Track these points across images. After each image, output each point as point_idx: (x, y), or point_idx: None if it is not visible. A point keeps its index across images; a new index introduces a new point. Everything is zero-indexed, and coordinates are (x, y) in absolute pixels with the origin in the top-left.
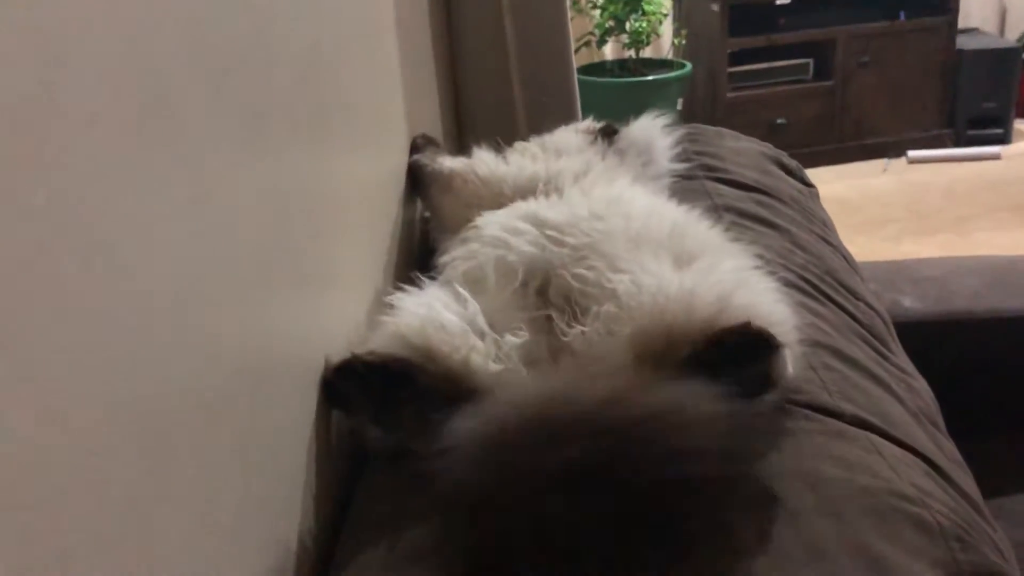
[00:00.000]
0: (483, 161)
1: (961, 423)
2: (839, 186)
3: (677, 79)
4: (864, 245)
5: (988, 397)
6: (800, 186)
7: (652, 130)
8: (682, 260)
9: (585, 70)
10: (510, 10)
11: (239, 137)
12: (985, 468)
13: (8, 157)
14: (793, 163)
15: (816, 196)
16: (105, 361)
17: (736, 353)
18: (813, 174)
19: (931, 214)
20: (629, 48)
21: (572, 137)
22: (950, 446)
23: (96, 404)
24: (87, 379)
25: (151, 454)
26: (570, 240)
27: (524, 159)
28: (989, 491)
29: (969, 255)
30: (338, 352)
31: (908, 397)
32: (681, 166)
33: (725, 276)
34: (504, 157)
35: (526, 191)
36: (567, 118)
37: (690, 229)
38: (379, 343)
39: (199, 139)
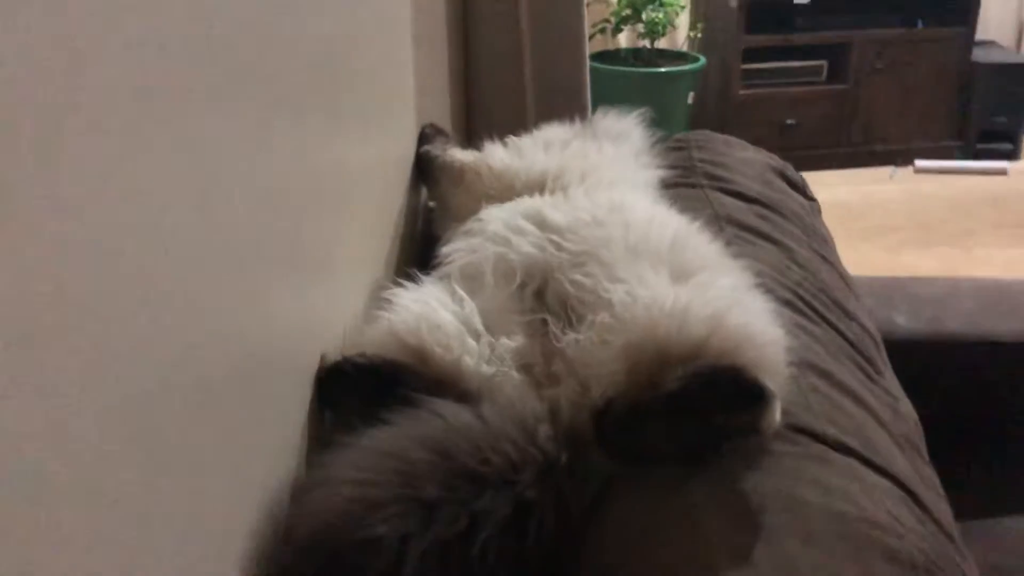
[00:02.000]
0: (495, 155)
1: (949, 443)
2: (844, 191)
3: (690, 72)
4: (865, 253)
5: (976, 419)
6: (803, 200)
7: (623, 120)
8: (680, 274)
9: (599, 57)
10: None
11: (234, 121)
12: (970, 489)
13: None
14: (797, 176)
15: (818, 211)
16: (86, 354)
17: (724, 400)
18: (820, 177)
19: (934, 226)
20: (644, 38)
21: (559, 130)
22: (930, 472)
23: (84, 399)
24: (71, 372)
25: (138, 449)
26: (570, 245)
27: (536, 153)
28: (972, 512)
29: (966, 276)
30: (335, 343)
31: (892, 421)
32: (682, 172)
33: (721, 294)
34: (517, 151)
35: (536, 186)
36: (577, 111)
37: (691, 242)
38: (373, 340)
39: (192, 121)
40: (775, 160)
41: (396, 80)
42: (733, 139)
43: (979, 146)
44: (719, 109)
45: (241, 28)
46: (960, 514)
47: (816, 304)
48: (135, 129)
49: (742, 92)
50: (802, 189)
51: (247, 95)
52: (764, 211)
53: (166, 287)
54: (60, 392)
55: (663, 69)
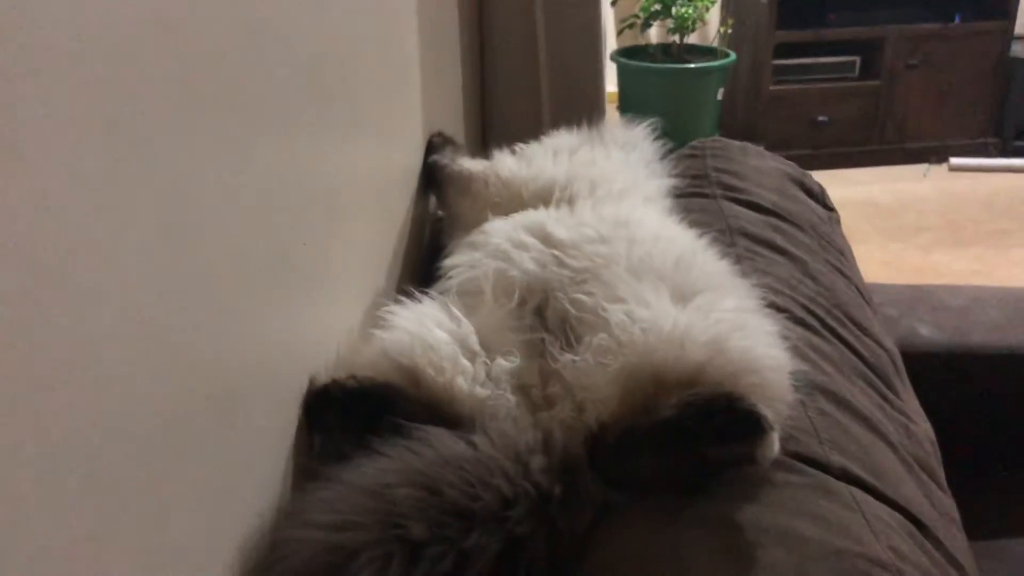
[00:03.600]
0: (503, 164)
1: (976, 458)
2: (877, 189)
3: (720, 68)
4: (896, 252)
5: (1003, 433)
6: (821, 211)
7: (632, 130)
8: (683, 294)
9: (628, 53)
10: (542, 6)
11: (215, 129)
12: (994, 506)
13: None
14: (816, 185)
15: (837, 221)
16: (48, 379)
17: (719, 430)
18: (851, 175)
19: (968, 225)
20: (674, 33)
21: (567, 137)
22: (942, 496)
23: (43, 425)
24: (32, 398)
25: (109, 479)
26: (572, 262)
27: (545, 162)
28: (994, 531)
29: (997, 280)
30: (327, 361)
31: (905, 444)
32: (695, 181)
33: (723, 317)
34: (526, 159)
35: (544, 195)
36: (594, 116)
37: (696, 260)
38: (366, 360)
39: (169, 129)
40: (793, 168)
41: (401, 90)
42: (750, 146)
43: (1016, 143)
44: (749, 105)
45: (226, 30)
46: (982, 533)
47: (830, 320)
48: (107, 136)
49: (773, 88)
50: (821, 199)
51: (229, 100)
52: (779, 223)
53: (136, 304)
54: (22, 420)
55: (693, 65)
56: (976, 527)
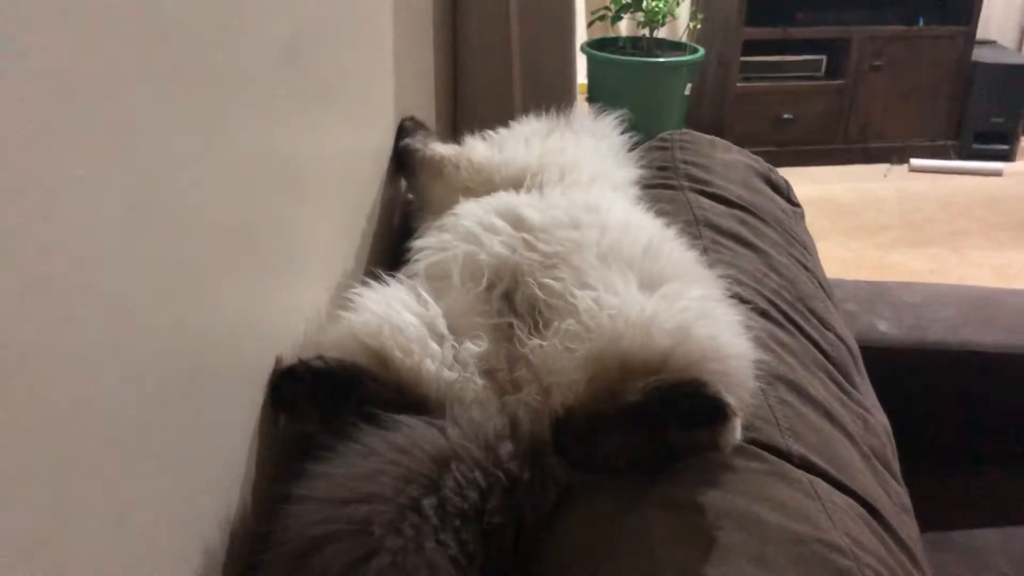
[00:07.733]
0: (476, 149)
1: (929, 452)
2: (839, 188)
3: (688, 63)
4: (856, 250)
5: (957, 428)
6: (785, 205)
7: (601, 120)
8: (650, 282)
9: (597, 44)
10: None
11: (179, 105)
12: (949, 500)
13: None
14: (781, 180)
15: (801, 216)
16: (12, 356)
17: (683, 416)
18: (814, 173)
19: (926, 225)
20: (644, 27)
21: (538, 124)
22: (897, 487)
23: (6, 402)
24: None
25: (68, 456)
26: (543, 246)
27: (517, 148)
28: (950, 523)
29: (955, 279)
30: (294, 342)
31: (862, 435)
32: (663, 172)
33: (690, 305)
34: (497, 145)
35: (515, 181)
36: (565, 105)
37: (664, 249)
38: (333, 341)
39: (132, 105)
40: (760, 163)
41: (374, 72)
42: (718, 140)
43: (975, 146)
44: (716, 101)
45: (198, 6)
46: (932, 523)
47: (792, 313)
48: (74, 113)
49: (740, 85)
50: (786, 194)
51: (199, 76)
52: (745, 216)
53: (103, 283)
54: None
55: (662, 59)
56: (926, 518)
